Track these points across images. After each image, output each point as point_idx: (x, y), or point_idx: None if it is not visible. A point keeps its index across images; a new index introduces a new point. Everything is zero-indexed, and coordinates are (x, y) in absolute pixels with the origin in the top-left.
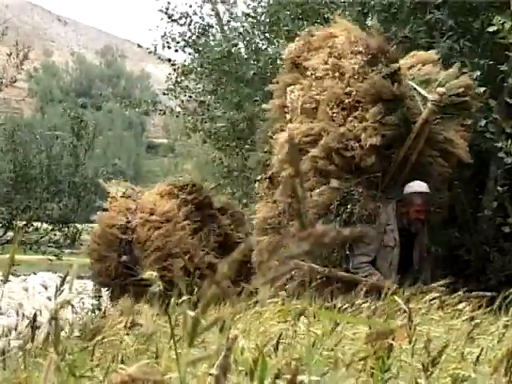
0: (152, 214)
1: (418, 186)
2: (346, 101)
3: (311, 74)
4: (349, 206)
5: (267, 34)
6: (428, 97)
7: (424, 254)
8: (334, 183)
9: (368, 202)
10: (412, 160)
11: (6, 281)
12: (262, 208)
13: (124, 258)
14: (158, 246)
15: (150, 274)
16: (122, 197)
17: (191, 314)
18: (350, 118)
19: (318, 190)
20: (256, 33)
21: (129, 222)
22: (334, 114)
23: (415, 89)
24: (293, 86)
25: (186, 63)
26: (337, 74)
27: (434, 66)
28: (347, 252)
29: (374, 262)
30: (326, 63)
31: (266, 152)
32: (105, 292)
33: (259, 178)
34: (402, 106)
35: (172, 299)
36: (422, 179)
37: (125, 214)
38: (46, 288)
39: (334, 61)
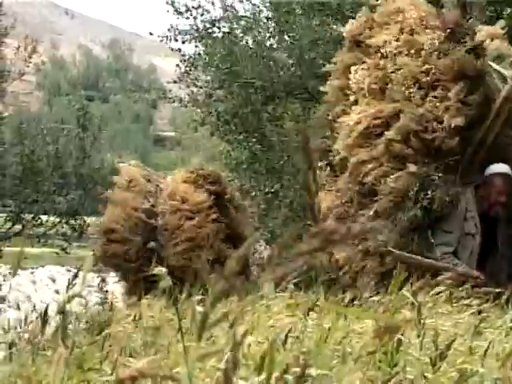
0: (184, 203)
1: (499, 167)
2: (424, 79)
3: (376, 52)
4: (429, 192)
5: (275, 28)
6: (506, 73)
7: (502, 246)
8: (412, 168)
9: (449, 188)
10: (489, 141)
11: (14, 274)
12: (326, 197)
13: (152, 244)
14: (188, 237)
15: (159, 269)
16: (144, 179)
17: (200, 309)
18: (428, 98)
19: (393, 176)
20: (262, 28)
21: (153, 207)
22: (411, 94)
23: (491, 65)
24: (356, 66)
25: (195, 55)
26: (412, 51)
27: (503, 41)
28: (431, 240)
29: (455, 252)
30: (397, 40)
31: (325, 137)
32: (113, 283)
33: (320, 164)
34: (484, 84)
35: (179, 292)
36: (500, 162)
37: (145, 196)
38: (53, 281)
39: (407, 37)
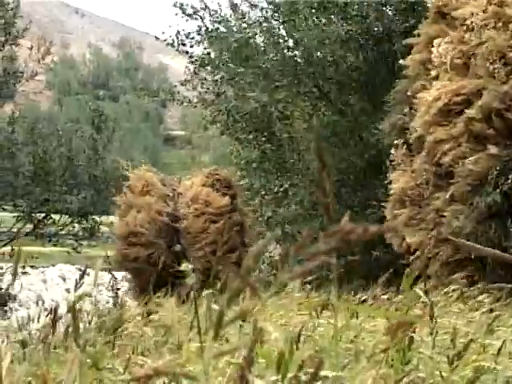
0: (207, 206)
1: None
2: (510, 54)
3: (461, 25)
4: (510, 177)
5: (285, 24)
6: None
7: None
8: (493, 150)
9: None
10: None
11: (16, 274)
12: (399, 178)
13: (178, 247)
14: (213, 240)
15: (185, 265)
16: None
17: (215, 307)
18: None
19: (472, 158)
20: (273, 22)
21: (176, 210)
22: (496, 70)
23: None
24: (439, 39)
25: (203, 55)
26: (499, 24)
27: None
28: (510, 229)
29: None
30: (484, 11)
31: (403, 114)
32: (124, 283)
33: (395, 143)
34: None
35: (192, 291)
36: None
37: (164, 200)
38: (64, 280)
39: (495, 9)
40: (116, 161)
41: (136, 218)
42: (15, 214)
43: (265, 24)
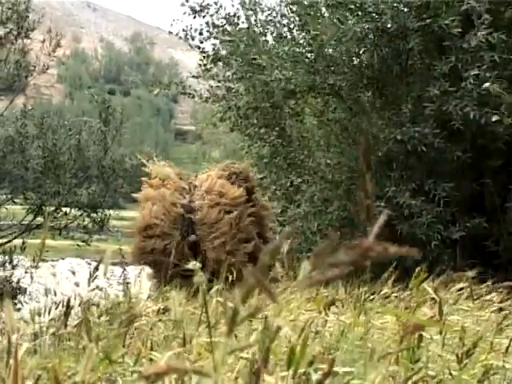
0: (221, 197)
1: None
2: None
3: None
4: None
5: (299, 22)
6: None
7: None
8: None
9: None
10: None
11: (37, 263)
12: None
13: (193, 237)
14: (227, 230)
15: (193, 264)
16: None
17: (230, 304)
18: None
19: None
20: (285, 22)
21: (191, 202)
22: None
23: None
24: None
25: (214, 51)
26: None
27: None
28: None
29: None
30: None
31: None
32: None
33: None
34: None
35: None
36: None
37: (180, 193)
38: (73, 273)
39: None
40: (131, 154)
41: (151, 211)
42: (25, 207)
43: (277, 19)
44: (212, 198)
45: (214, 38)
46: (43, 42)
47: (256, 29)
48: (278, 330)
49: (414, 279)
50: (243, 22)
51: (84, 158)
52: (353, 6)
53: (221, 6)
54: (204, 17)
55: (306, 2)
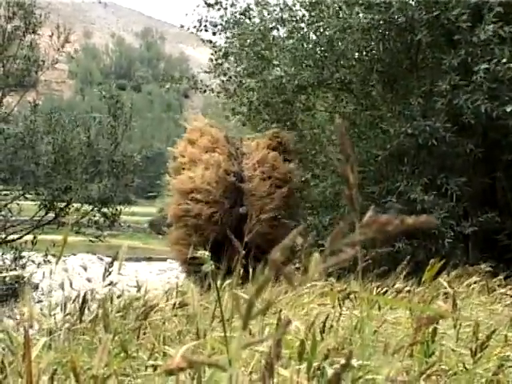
0: (274, 170)
1: None
2: None
3: None
4: None
5: (308, 17)
6: None
7: None
8: None
9: None
10: None
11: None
12: None
13: (243, 208)
14: (277, 205)
15: (201, 252)
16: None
17: (245, 296)
18: None
19: None
20: (294, 17)
21: (241, 171)
22: None
23: None
24: None
25: (226, 45)
26: None
27: None
28: None
29: None
30: None
31: None
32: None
33: None
34: None
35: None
36: None
37: (230, 159)
38: (85, 269)
39: None
40: (141, 149)
41: (204, 175)
42: (37, 203)
43: (285, 15)
44: (264, 170)
45: (227, 31)
46: (51, 36)
47: (267, 24)
48: (287, 323)
49: (428, 272)
50: (254, 17)
51: (95, 153)
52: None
53: (234, 0)
54: (219, 9)
55: None
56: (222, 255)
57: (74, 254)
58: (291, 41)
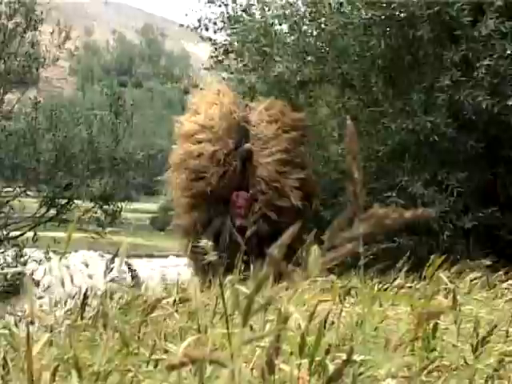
0: (282, 115)
1: None
2: None
3: None
4: None
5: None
6: None
7: None
8: None
9: None
10: None
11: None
12: None
13: (247, 145)
14: (285, 148)
15: (205, 241)
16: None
17: (245, 290)
18: None
19: None
20: (297, 12)
21: (248, 115)
22: None
23: None
24: None
25: (227, 42)
26: None
27: None
28: None
29: None
30: None
31: None
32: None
33: None
34: None
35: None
36: None
37: (238, 105)
38: (86, 266)
39: None
40: (143, 146)
41: (206, 113)
42: (38, 200)
43: (287, 11)
44: (272, 113)
45: (227, 28)
46: (52, 33)
47: (269, 20)
48: (287, 318)
49: (428, 268)
50: (255, 13)
51: (96, 150)
52: None
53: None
54: (220, 6)
55: None
56: (225, 218)
57: (76, 251)
58: (292, 37)
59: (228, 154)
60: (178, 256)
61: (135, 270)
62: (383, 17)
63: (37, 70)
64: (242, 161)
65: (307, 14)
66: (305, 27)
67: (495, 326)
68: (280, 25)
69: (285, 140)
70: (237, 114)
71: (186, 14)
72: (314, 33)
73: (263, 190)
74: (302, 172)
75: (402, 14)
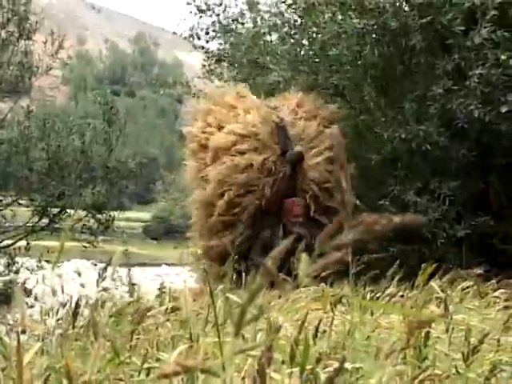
0: (318, 109)
1: None
2: None
3: None
4: None
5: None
6: None
7: None
8: None
9: None
10: None
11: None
12: None
13: (298, 148)
14: (330, 145)
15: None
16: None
17: (234, 298)
18: None
19: None
20: (288, 22)
21: (281, 115)
22: None
23: None
24: None
25: (219, 51)
26: None
27: None
28: None
29: None
30: None
31: None
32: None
33: None
34: None
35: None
36: None
37: (265, 105)
38: (79, 275)
39: None
40: (135, 155)
41: (246, 118)
42: (31, 209)
43: (279, 20)
44: (307, 109)
45: (219, 37)
46: (45, 42)
47: (260, 29)
48: (279, 328)
49: (420, 276)
50: (247, 22)
51: (88, 159)
52: (353, 5)
53: (227, 6)
54: (211, 16)
55: (303, 5)
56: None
57: (68, 260)
58: (285, 46)
59: (276, 160)
60: (169, 265)
61: (132, 279)
62: (376, 26)
63: (29, 79)
64: (292, 165)
65: (299, 24)
66: (296, 36)
67: (486, 335)
68: (270, 34)
69: (329, 137)
70: (275, 116)
71: (178, 24)
72: (306, 42)
73: (316, 194)
74: (348, 168)
75: (395, 24)
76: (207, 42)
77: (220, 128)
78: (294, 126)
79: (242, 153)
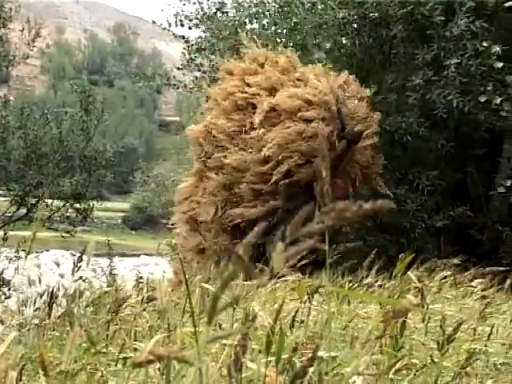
0: (359, 88)
1: None
2: None
3: None
4: None
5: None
6: None
7: None
8: None
9: None
10: None
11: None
12: None
13: (359, 127)
14: (376, 131)
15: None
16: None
17: (211, 288)
18: None
19: None
20: (267, 11)
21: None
22: None
23: None
24: None
25: (199, 40)
26: None
27: None
28: None
29: None
30: None
31: None
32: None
33: None
34: None
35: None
36: None
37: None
38: (58, 265)
39: None
40: (113, 144)
41: (297, 93)
42: (8, 199)
43: (260, 9)
44: (356, 89)
45: (201, 25)
46: (22, 31)
47: (242, 19)
48: (255, 317)
49: (398, 266)
50: (228, 12)
51: (66, 149)
52: None
53: None
54: (194, 3)
55: None
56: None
57: (47, 250)
58: (267, 32)
59: (339, 135)
60: (149, 255)
61: (114, 268)
62: (356, 16)
63: (6, 68)
64: (348, 144)
65: (280, 14)
66: (277, 26)
67: (460, 324)
68: (251, 24)
69: (375, 121)
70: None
71: (162, 10)
72: (284, 31)
73: (358, 177)
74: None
75: (376, 14)
76: (190, 28)
77: (272, 90)
78: (344, 104)
79: (306, 120)
